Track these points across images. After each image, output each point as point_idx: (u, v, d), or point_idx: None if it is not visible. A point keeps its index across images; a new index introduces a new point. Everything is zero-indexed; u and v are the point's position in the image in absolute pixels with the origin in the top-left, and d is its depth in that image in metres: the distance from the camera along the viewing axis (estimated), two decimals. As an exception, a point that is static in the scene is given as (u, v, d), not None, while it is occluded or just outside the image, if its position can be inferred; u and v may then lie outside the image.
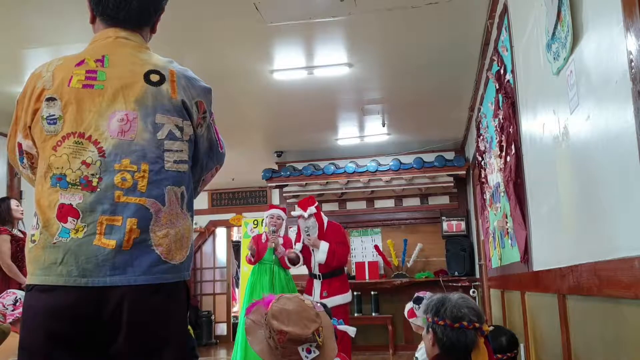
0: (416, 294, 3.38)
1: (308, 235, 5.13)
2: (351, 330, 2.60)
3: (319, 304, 2.09)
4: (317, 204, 5.24)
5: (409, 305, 3.41)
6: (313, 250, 5.12)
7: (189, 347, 1.55)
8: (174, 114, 1.49)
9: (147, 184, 1.43)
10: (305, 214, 5.11)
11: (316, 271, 5.11)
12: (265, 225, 5.66)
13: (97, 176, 1.41)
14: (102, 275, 1.37)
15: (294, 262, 5.29)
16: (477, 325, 1.99)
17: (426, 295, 3.30)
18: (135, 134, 1.44)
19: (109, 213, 1.40)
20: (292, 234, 6.80)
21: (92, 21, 1.61)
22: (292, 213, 5.36)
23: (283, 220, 5.62)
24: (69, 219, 1.40)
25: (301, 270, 5.48)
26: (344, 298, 5.05)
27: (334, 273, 5.08)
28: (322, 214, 5.33)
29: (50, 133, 1.45)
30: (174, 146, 1.48)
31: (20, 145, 1.54)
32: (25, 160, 1.55)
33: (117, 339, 1.39)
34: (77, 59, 1.52)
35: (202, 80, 1.64)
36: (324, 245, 5.02)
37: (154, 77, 1.50)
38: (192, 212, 1.56)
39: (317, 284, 5.09)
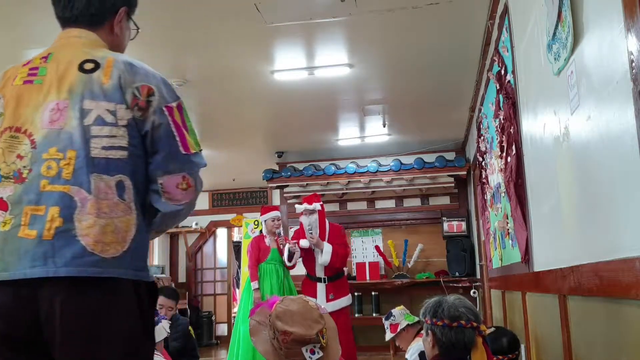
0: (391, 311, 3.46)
1: (311, 233, 5.08)
2: None
3: (322, 306, 2.10)
4: (322, 202, 5.23)
5: (387, 323, 3.44)
6: (315, 251, 5.08)
7: (143, 349, 1.44)
8: (104, 99, 1.43)
9: (73, 171, 1.38)
10: (310, 207, 5.08)
11: (321, 274, 5.06)
12: (267, 228, 5.60)
13: (28, 168, 1.39)
14: (22, 267, 1.33)
15: (292, 257, 5.20)
16: (474, 324, 2.01)
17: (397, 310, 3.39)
18: (64, 122, 1.41)
19: (33, 203, 1.36)
20: (291, 234, 6.81)
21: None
22: (297, 206, 5.33)
23: (280, 219, 5.65)
24: (0, 212, 1.39)
25: (299, 271, 5.46)
26: (349, 299, 5.07)
27: (338, 275, 5.07)
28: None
29: None
30: (102, 131, 1.41)
31: None
32: None
33: (55, 340, 1.34)
34: (27, 60, 1.55)
35: (156, 71, 1.56)
36: (328, 247, 4.97)
37: (88, 66, 1.47)
38: (142, 206, 1.47)
39: (321, 287, 5.04)
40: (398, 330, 3.37)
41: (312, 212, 5.08)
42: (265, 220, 5.62)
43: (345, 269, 5.32)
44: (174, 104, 1.51)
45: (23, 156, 1.40)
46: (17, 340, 1.35)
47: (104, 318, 1.35)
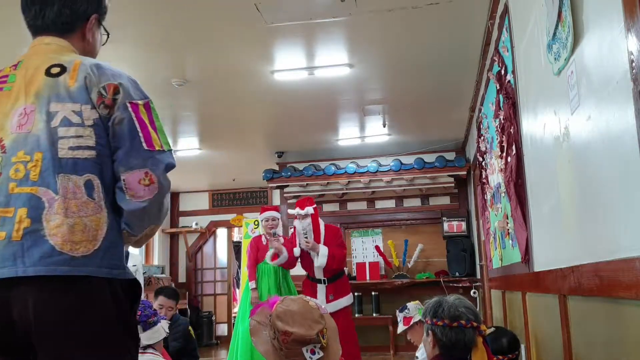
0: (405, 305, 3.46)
1: (306, 237, 5.06)
2: None
3: (323, 306, 2.10)
4: (315, 205, 5.17)
5: (400, 316, 3.44)
6: (312, 254, 5.06)
7: (122, 347, 1.43)
8: (69, 101, 1.45)
9: (40, 172, 1.40)
10: (302, 212, 5.03)
11: (320, 276, 5.05)
12: (263, 228, 5.64)
13: None
14: None
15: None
16: (474, 324, 2.02)
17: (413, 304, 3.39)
18: (31, 125, 1.44)
19: (2, 205, 1.39)
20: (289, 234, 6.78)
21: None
22: (289, 211, 5.34)
23: (278, 219, 5.60)
24: None
25: (299, 271, 5.46)
26: (349, 299, 5.03)
27: (338, 276, 5.06)
28: (319, 218, 5.27)
29: None
30: (69, 132, 1.43)
31: None
32: None
33: (33, 341, 1.35)
34: None
35: (124, 72, 1.56)
36: (324, 249, 4.94)
37: (54, 70, 1.50)
38: (112, 203, 1.48)
39: (321, 288, 5.02)
40: (411, 323, 3.37)
41: (305, 216, 5.03)
42: (261, 221, 5.65)
43: (345, 268, 5.31)
44: (140, 102, 1.52)
45: None
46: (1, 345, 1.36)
47: (77, 317, 1.35)
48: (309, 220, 5.02)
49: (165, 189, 1.52)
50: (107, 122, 1.47)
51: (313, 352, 1.91)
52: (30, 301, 1.33)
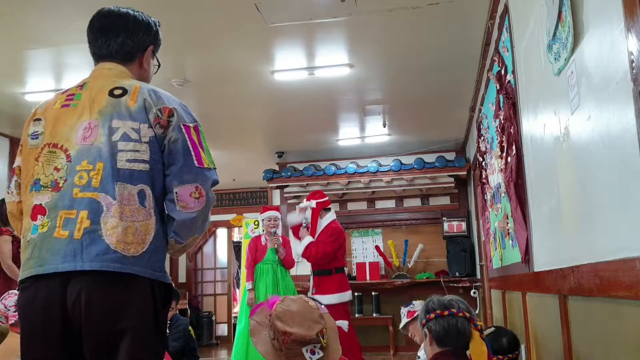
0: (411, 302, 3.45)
1: (306, 227, 5.15)
2: (344, 325, 2.57)
3: (322, 306, 2.10)
4: (323, 199, 5.15)
5: (404, 310, 3.43)
6: None
7: (153, 344, 1.58)
8: (129, 119, 1.65)
9: (100, 180, 1.59)
10: (301, 205, 5.15)
11: (311, 267, 5.15)
12: (263, 228, 5.69)
13: (64, 178, 1.61)
14: (55, 263, 1.53)
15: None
16: (467, 314, 2.04)
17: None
18: (95, 138, 1.63)
19: (67, 208, 1.58)
20: (291, 233, 6.79)
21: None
22: (301, 205, 5.37)
23: (279, 219, 5.68)
24: (38, 216, 1.61)
25: (303, 270, 5.47)
26: (332, 299, 4.81)
27: (321, 272, 5.02)
28: (330, 213, 5.20)
29: (33, 146, 1.70)
30: (127, 147, 1.62)
31: (14, 170, 1.79)
32: (13, 181, 1.78)
33: (81, 330, 1.51)
34: (66, 89, 1.80)
35: (176, 98, 1.77)
36: (306, 240, 5.01)
37: (117, 91, 1.70)
38: (161, 213, 1.66)
39: (311, 280, 5.11)
40: (414, 315, 3.37)
41: (305, 207, 5.16)
42: (262, 220, 5.72)
43: (345, 268, 5.28)
44: (191, 125, 1.73)
45: (60, 169, 1.63)
46: (51, 334, 1.52)
47: (121, 307, 1.53)
48: (309, 212, 5.10)
49: (211, 203, 1.72)
50: (162, 140, 1.67)
51: (313, 352, 1.91)
52: (84, 291, 1.50)
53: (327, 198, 5.23)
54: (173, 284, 1.74)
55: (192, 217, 1.66)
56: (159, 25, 1.92)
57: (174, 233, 1.69)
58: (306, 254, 4.98)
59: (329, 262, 4.98)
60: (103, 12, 1.84)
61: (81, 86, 1.75)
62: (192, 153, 1.68)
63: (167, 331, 3.30)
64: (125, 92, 1.70)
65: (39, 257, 1.55)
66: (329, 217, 5.15)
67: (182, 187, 1.65)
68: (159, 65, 1.97)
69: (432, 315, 2.07)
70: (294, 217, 5.24)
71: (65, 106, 1.71)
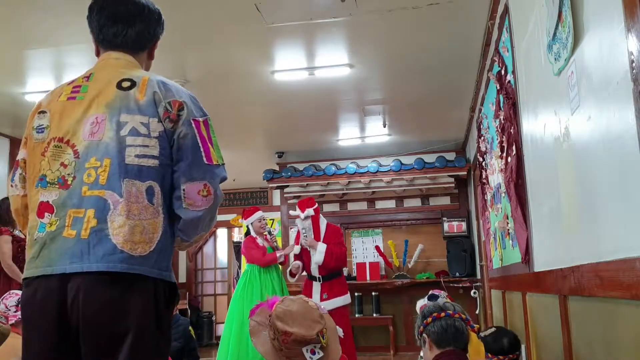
0: (431, 292, 3.42)
1: (306, 236, 5.13)
2: (340, 332, 2.58)
3: (322, 306, 2.10)
4: (316, 206, 5.21)
5: (422, 302, 3.43)
6: (311, 252, 5.11)
7: (155, 345, 1.53)
8: (138, 113, 1.59)
9: (107, 177, 1.53)
10: (302, 215, 5.11)
11: (315, 273, 5.09)
12: (257, 230, 5.50)
13: (72, 175, 1.56)
14: (63, 264, 1.49)
15: (294, 274, 5.26)
16: (463, 316, 2.06)
17: (441, 293, 3.36)
18: (102, 134, 1.57)
19: (76, 206, 1.53)
20: (293, 235, 6.80)
21: (97, 54, 1.79)
22: (291, 212, 5.38)
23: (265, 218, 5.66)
24: (46, 214, 1.55)
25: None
26: (345, 300, 5.04)
27: (334, 275, 5.07)
28: (322, 216, 5.32)
29: (39, 140, 1.63)
30: (136, 141, 1.56)
31: (17, 162, 1.72)
32: (17, 174, 1.72)
33: (79, 330, 1.47)
34: (71, 80, 1.73)
35: (186, 90, 1.72)
36: (322, 246, 5.01)
37: (125, 84, 1.63)
38: (169, 210, 1.61)
39: (316, 287, 5.06)
40: None
41: (305, 217, 5.12)
42: (252, 223, 5.50)
43: (345, 269, 5.32)
44: (201, 119, 1.67)
45: (67, 165, 1.57)
46: (53, 334, 1.49)
47: (120, 308, 1.48)
48: (309, 221, 5.10)
49: (219, 200, 1.67)
50: (171, 135, 1.61)
51: (313, 352, 1.91)
52: (81, 290, 1.46)
53: (316, 204, 5.27)
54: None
55: (199, 216, 1.62)
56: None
57: (180, 231, 1.65)
58: (328, 258, 4.97)
59: (345, 262, 5.10)
60: None
61: (87, 77, 1.69)
62: (202, 149, 1.63)
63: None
64: (133, 84, 1.63)
65: (47, 257, 1.51)
66: (323, 220, 5.25)
67: (190, 184, 1.60)
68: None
69: (429, 320, 2.08)
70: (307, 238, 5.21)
71: (71, 99, 1.64)
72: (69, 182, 1.55)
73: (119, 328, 1.47)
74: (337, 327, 2.57)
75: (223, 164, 1.69)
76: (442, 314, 2.06)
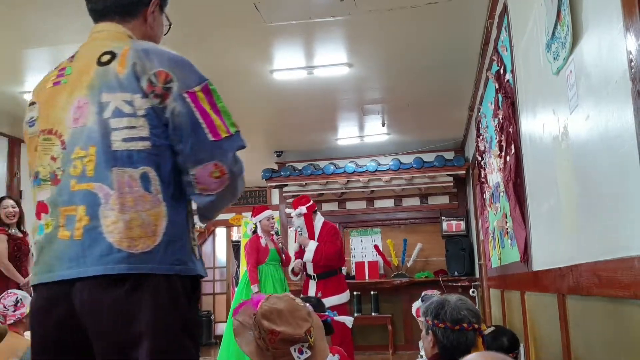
0: (424, 293, 3.43)
1: (301, 234, 5.18)
2: (348, 321, 2.53)
3: (308, 304, 2.05)
4: (309, 203, 5.22)
5: (417, 304, 3.44)
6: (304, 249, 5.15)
7: (178, 345, 1.35)
8: (119, 90, 1.36)
9: (94, 167, 1.34)
10: (294, 213, 5.16)
11: (311, 271, 5.11)
12: (264, 228, 5.57)
13: (61, 169, 1.38)
14: (61, 269, 1.33)
15: (297, 273, 5.31)
16: (476, 326, 2.01)
17: (434, 293, 3.36)
18: (86, 118, 1.37)
19: (67, 204, 1.35)
20: (293, 234, 6.81)
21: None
22: (286, 210, 5.43)
23: (274, 218, 5.71)
24: (42, 215, 1.40)
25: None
26: (340, 298, 4.99)
27: (329, 273, 5.07)
28: (319, 214, 5.32)
29: (32, 135, 1.47)
30: (121, 123, 1.35)
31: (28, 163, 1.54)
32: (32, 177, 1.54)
33: (89, 337, 1.33)
34: (59, 63, 1.55)
35: (175, 54, 1.48)
36: (312, 245, 5.04)
37: (104, 58, 1.41)
38: (172, 196, 1.39)
39: (312, 285, 5.10)
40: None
41: (298, 216, 5.15)
42: (260, 221, 5.57)
43: (344, 268, 5.32)
44: (196, 88, 1.43)
45: (56, 157, 1.39)
46: (59, 343, 1.37)
47: (129, 311, 1.30)
48: (302, 218, 5.12)
49: (237, 175, 1.44)
50: (162, 112, 1.37)
51: (301, 352, 1.85)
52: (86, 299, 1.31)
53: (312, 201, 5.28)
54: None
55: (213, 200, 1.43)
56: None
57: (200, 215, 1.49)
58: (317, 256, 4.99)
59: (338, 261, 5.08)
60: None
61: (72, 57, 1.50)
62: (204, 125, 1.39)
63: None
64: (113, 56, 1.40)
65: (45, 263, 1.37)
66: (320, 219, 5.26)
67: (199, 167, 1.39)
68: (170, 25, 1.68)
69: (442, 325, 2.02)
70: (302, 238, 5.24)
71: (56, 84, 1.46)
72: (59, 177, 1.38)
73: (127, 335, 1.29)
74: (345, 316, 2.54)
75: (237, 132, 1.45)
76: (457, 327, 1.99)
